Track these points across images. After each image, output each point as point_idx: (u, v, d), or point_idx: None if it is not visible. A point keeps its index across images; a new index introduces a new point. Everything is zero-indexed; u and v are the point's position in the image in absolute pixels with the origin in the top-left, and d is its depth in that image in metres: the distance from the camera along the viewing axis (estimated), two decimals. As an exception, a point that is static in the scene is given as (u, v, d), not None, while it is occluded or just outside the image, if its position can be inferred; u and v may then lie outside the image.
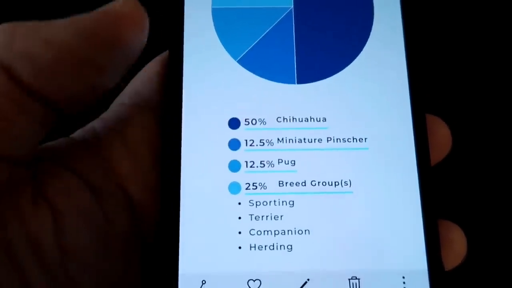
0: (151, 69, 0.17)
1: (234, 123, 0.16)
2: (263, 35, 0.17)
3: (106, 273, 0.15)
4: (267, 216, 0.16)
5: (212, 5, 0.17)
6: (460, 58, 0.31)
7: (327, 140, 0.16)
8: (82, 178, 0.15)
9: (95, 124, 0.16)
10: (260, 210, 0.16)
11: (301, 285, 0.15)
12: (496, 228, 0.29)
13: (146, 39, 0.14)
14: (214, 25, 0.17)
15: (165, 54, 0.17)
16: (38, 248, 0.13)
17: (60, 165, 0.15)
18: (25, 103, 0.13)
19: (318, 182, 0.16)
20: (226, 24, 0.17)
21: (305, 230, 0.16)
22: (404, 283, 0.15)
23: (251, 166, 0.16)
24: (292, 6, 0.17)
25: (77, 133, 0.16)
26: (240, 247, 0.15)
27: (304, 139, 0.16)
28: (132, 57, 0.14)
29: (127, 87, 0.17)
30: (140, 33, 0.14)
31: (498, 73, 0.31)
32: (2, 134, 0.13)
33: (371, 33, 0.17)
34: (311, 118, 0.16)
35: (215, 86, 0.17)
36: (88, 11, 0.13)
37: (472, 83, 0.31)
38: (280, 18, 0.17)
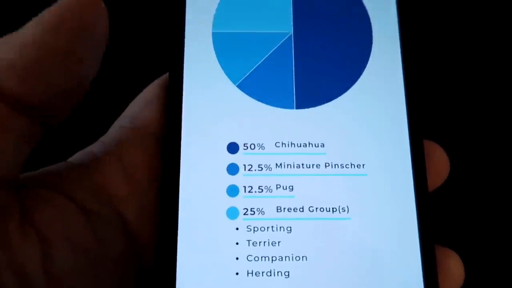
0: (150, 92, 0.17)
1: (233, 148, 0.16)
2: (262, 60, 0.17)
3: None
4: (264, 242, 0.16)
5: (213, 29, 0.17)
6: (457, 83, 0.31)
7: (325, 166, 0.16)
8: (76, 203, 0.15)
9: (94, 147, 0.16)
10: (258, 236, 0.16)
11: (298, 312, 0.15)
12: (494, 255, 0.29)
13: (108, 22, 0.14)
14: (214, 49, 0.17)
15: (164, 77, 0.17)
16: (24, 275, 0.13)
17: (53, 189, 0.15)
18: (9, 119, 0.13)
19: (316, 208, 0.16)
20: (226, 48, 0.17)
21: (303, 257, 0.16)
22: (401, 310, 0.15)
23: (249, 191, 0.16)
24: (292, 32, 0.17)
25: (75, 157, 0.16)
26: (237, 273, 0.15)
27: (302, 164, 0.16)
28: (102, 41, 0.14)
29: (126, 110, 0.17)
30: (102, 16, 0.14)
31: (498, 98, 0.31)
32: None
33: (370, 59, 0.17)
34: (309, 144, 0.17)
35: (214, 110, 0.17)
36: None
37: (470, 107, 0.31)
38: (280, 43, 0.17)
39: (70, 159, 0.16)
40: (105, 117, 0.18)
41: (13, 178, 0.14)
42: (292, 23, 0.17)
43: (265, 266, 0.15)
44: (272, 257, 0.16)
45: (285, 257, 0.16)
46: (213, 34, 0.17)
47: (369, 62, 0.17)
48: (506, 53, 0.31)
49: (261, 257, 0.16)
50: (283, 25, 0.17)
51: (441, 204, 0.26)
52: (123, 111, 0.17)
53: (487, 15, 0.32)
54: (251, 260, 0.15)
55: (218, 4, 0.18)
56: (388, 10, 0.18)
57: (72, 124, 0.16)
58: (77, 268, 0.14)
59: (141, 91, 0.17)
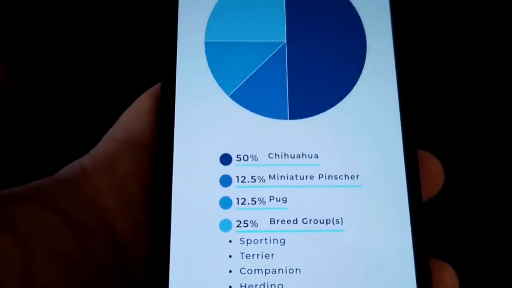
0: (142, 102, 0.17)
1: (225, 159, 0.16)
2: (255, 69, 0.17)
3: None
4: (258, 255, 0.15)
5: (205, 38, 0.17)
6: (451, 93, 0.31)
7: (319, 177, 0.16)
8: (62, 215, 0.14)
9: (83, 160, 0.16)
10: (251, 248, 0.16)
11: (291, 325, 0.15)
12: (489, 267, 0.28)
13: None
14: (207, 59, 0.17)
15: (156, 87, 0.17)
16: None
17: (38, 202, 0.14)
18: None
19: (310, 220, 0.16)
20: (219, 58, 0.17)
21: (296, 269, 0.15)
22: (395, 322, 0.15)
23: (242, 203, 0.16)
24: (285, 41, 0.17)
25: (63, 170, 0.16)
26: (230, 286, 0.15)
27: (296, 175, 0.16)
28: None
29: (117, 121, 0.17)
30: None
31: (493, 108, 0.31)
32: None
33: (364, 69, 0.17)
34: (303, 155, 0.16)
35: (207, 121, 0.16)
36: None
37: (465, 116, 0.30)
38: (273, 53, 0.17)
39: (58, 173, 0.16)
40: (99, 129, 0.17)
41: None
42: (285, 32, 0.17)
43: (258, 279, 0.15)
44: (266, 269, 0.15)
45: (279, 269, 0.15)
46: (206, 43, 0.17)
47: (363, 71, 0.17)
48: (500, 62, 0.31)
49: (255, 269, 0.15)
50: (276, 34, 0.17)
51: (436, 214, 0.25)
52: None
53: (482, 19, 0.32)
54: (245, 273, 0.15)
55: (211, 13, 0.17)
56: (383, 21, 0.18)
57: (66, 137, 0.16)
58: (61, 281, 0.14)
59: (132, 102, 0.17)
